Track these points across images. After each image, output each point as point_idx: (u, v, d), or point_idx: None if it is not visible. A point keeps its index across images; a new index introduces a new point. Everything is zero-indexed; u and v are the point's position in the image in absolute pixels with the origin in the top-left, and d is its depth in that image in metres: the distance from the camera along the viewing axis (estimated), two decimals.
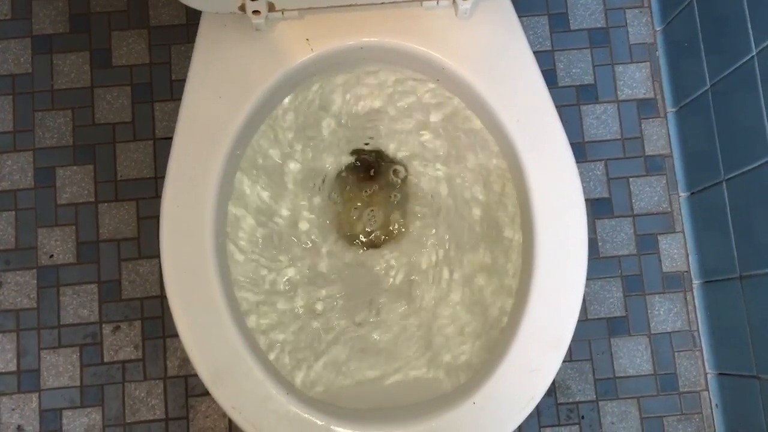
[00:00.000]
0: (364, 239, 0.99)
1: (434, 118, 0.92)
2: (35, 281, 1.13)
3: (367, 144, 0.97)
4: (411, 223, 0.97)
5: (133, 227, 1.15)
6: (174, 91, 1.18)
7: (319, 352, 0.85)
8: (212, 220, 0.77)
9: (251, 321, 0.82)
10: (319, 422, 0.74)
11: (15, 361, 1.11)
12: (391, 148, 0.97)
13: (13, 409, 1.10)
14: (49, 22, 1.19)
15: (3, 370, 1.11)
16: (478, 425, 0.74)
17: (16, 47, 1.18)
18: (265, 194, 0.90)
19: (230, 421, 1.11)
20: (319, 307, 0.89)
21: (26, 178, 1.15)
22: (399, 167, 0.98)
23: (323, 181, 0.97)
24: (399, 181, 0.99)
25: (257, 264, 0.88)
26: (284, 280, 0.89)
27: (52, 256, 1.14)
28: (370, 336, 0.87)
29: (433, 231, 0.94)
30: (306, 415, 0.74)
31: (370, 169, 1.00)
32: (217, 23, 0.80)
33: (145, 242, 1.15)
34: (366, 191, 1.03)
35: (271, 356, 0.82)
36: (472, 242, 0.90)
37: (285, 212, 0.92)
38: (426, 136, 0.94)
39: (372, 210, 1.03)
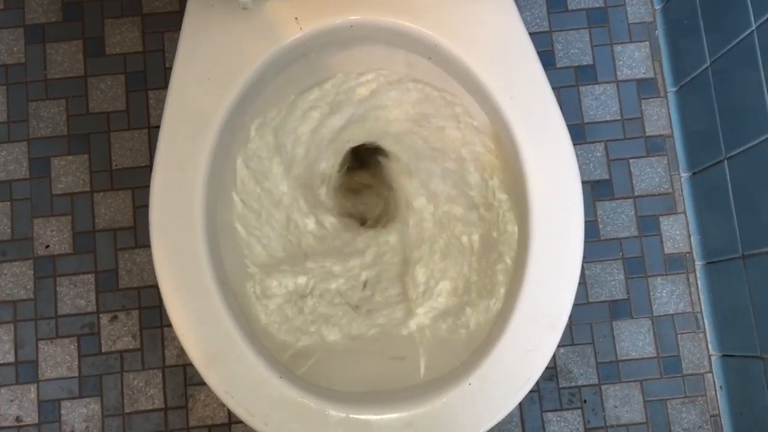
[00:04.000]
0: (360, 223, 0.98)
1: (425, 109, 0.91)
2: (32, 272, 1.13)
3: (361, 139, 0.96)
4: (407, 207, 0.96)
5: (129, 216, 1.14)
6: (168, 79, 1.16)
7: (314, 332, 0.84)
8: (202, 202, 0.76)
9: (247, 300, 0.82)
10: (313, 405, 0.73)
11: (12, 352, 1.11)
12: (384, 137, 0.95)
13: (11, 401, 1.10)
14: (42, 11, 1.18)
15: (1, 362, 1.11)
16: (475, 406, 0.73)
17: (8, 37, 1.17)
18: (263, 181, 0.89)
19: (229, 410, 1.11)
20: (313, 288, 0.88)
21: (21, 169, 1.15)
22: (393, 155, 0.97)
23: (320, 167, 0.96)
24: (393, 167, 0.98)
25: (258, 241, 0.87)
26: (279, 261, 0.88)
27: (48, 246, 1.13)
28: (366, 316, 0.86)
29: (430, 214, 0.93)
30: (300, 399, 0.73)
31: (366, 156, 0.99)
32: (204, 4, 0.79)
33: (141, 231, 1.14)
34: (362, 177, 1.02)
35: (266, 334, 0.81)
36: (468, 223, 0.89)
37: (282, 195, 0.91)
38: (416, 125, 0.93)
39: (368, 195, 1.02)
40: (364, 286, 0.89)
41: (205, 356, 0.74)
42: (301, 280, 0.87)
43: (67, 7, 1.18)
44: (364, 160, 1.01)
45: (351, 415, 0.73)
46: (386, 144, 0.94)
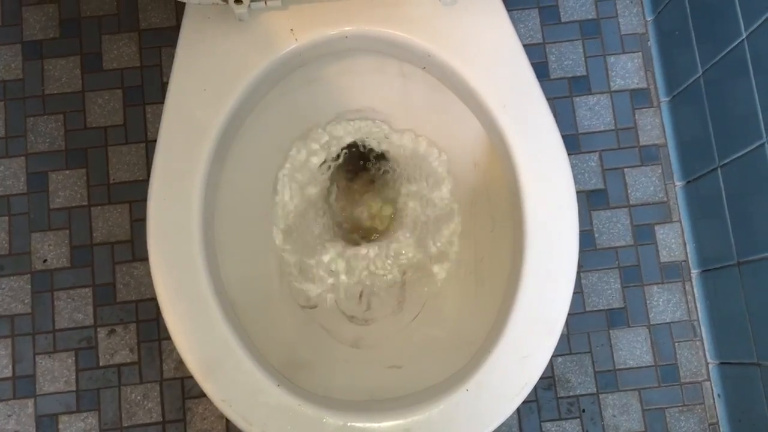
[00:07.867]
0: (356, 234, 0.99)
1: (423, 114, 0.92)
2: (29, 286, 1.13)
3: (358, 142, 0.97)
4: (404, 217, 0.96)
5: (127, 230, 1.14)
6: (165, 93, 1.17)
7: (314, 341, 0.84)
8: (200, 212, 0.76)
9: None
10: (311, 413, 0.73)
11: (10, 366, 1.11)
12: (381, 146, 0.96)
13: (9, 416, 1.10)
14: (40, 27, 1.19)
15: None
16: (473, 412, 0.73)
17: (6, 54, 1.18)
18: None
19: (227, 423, 1.10)
20: (311, 300, 0.88)
21: (19, 184, 1.15)
22: (390, 164, 0.98)
23: (316, 175, 0.97)
24: (390, 177, 0.99)
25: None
26: (276, 273, 0.89)
27: (45, 260, 1.13)
28: (362, 329, 0.87)
29: (427, 224, 0.93)
30: (298, 407, 0.73)
31: (362, 165, 1.00)
32: (200, 15, 0.80)
33: (138, 245, 1.14)
34: (358, 188, 1.02)
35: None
36: (466, 232, 0.89)
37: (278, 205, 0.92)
38: (416, 132, 0.94)
39: (364, 205, 1.03)
40: (360, 297, 0.89)
41: (203, 365, 0.74)
42: (293, 290, 0.87)
43: (65, 24, 1.19)
44: (365, 170, 1.02)
45: (349, 423, 0.73)
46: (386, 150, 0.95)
